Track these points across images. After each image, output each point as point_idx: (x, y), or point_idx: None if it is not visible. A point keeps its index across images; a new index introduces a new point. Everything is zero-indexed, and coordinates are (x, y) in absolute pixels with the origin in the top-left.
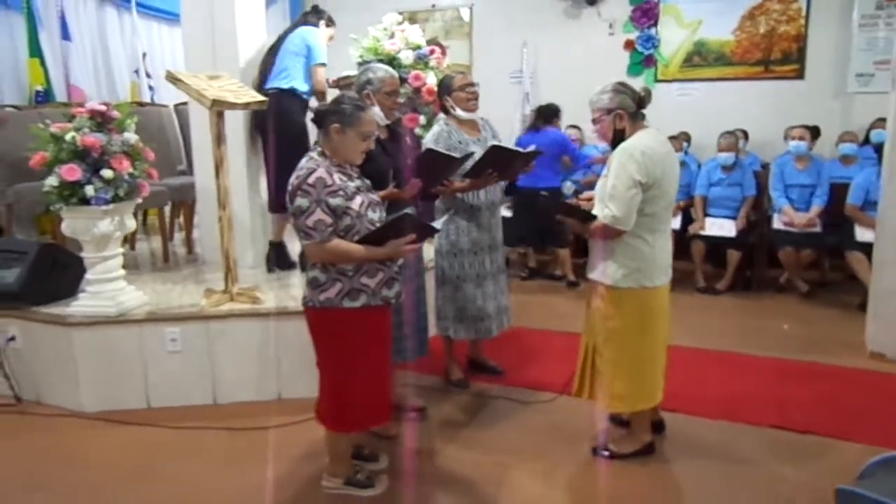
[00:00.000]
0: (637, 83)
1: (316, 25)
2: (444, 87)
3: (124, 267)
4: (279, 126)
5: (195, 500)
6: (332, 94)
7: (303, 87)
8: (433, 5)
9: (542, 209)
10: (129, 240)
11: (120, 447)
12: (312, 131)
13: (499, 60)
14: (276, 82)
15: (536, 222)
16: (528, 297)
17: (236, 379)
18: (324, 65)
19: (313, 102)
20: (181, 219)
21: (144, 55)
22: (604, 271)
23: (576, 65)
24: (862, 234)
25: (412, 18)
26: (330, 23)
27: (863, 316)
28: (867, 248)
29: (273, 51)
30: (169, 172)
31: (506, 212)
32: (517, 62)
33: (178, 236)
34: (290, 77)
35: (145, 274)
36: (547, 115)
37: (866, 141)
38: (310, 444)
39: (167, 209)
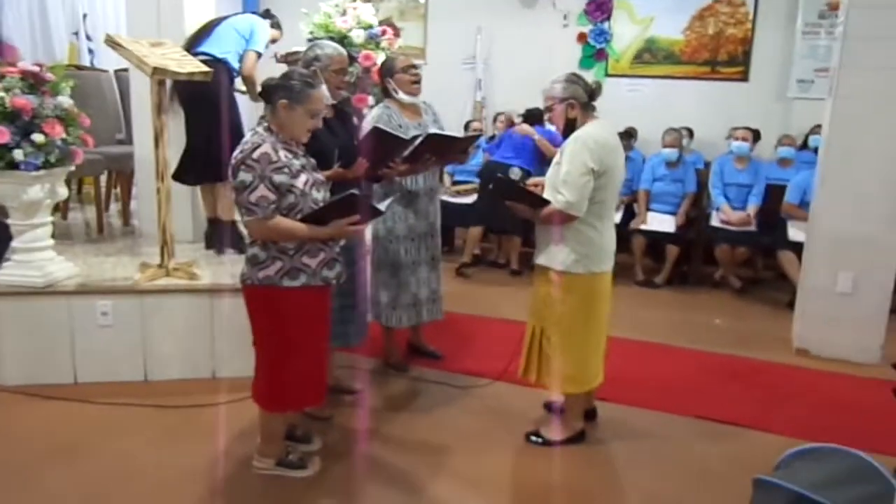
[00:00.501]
0: (588, 76)
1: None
2: (387, 68)
3: (56, 237)
4: (206, 94)
5: (123, 478)
6: (279, 69)
7: (235, 64)
8: None
9: (494, 191)
10: (62, 209)
11: (44, 423)
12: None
13: (453, 45)
14: (210, 48)
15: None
16: (469, 284)
17: (169, 355)
18: (259, 54)
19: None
20: (118, 189)
21: (85, 16)
22: (554, 257)
23: (529, 54)
24: (795, 234)
25: None
26: (277, 27)
27: (791, 313)
28: (798, 248)
29: (215, 22)
30: (107, 141)
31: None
32: (471, 48)
33: (115, 207)
34: (226, 50)
35: (78, 245)
36: (537, 117)
37: (804, 145)
38: (243, 423)
39: (103, 179)
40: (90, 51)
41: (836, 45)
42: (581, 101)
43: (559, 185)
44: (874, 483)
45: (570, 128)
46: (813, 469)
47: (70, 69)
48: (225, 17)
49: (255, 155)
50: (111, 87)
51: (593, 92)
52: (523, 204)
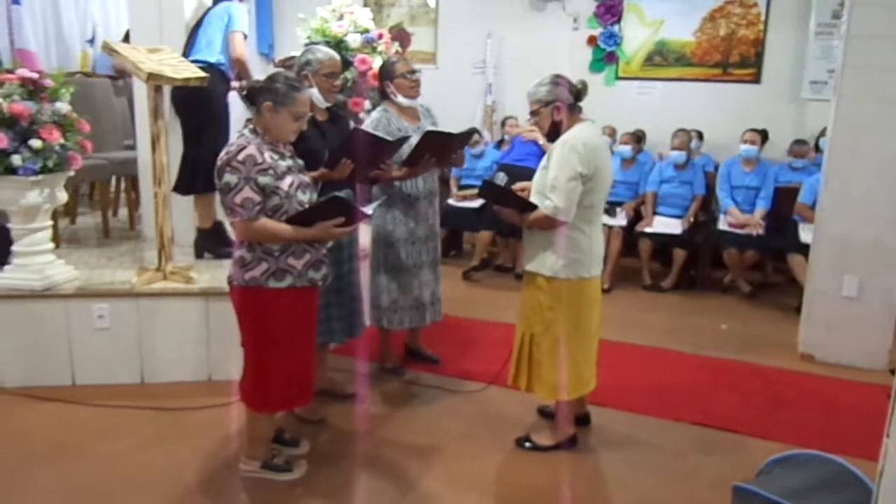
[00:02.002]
0: (598, 80)
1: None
2: (386, 72)
3: (63, 241)
4: (201, 102)
5: (116, 479)
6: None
7: (225, 59)
8: None
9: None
10: (71, 213)
11: (41, 424)
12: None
13: (463, 50)
14: (202, 55)
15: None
16: (474, 288)
17: (166, 359)
18: (244, 35)
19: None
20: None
21: (95, 27)
22: (543, 262)
23: (539, 58)
24: (806, 236)
25: (378, 3)
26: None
27: (798, 318)
28: (809, 252)
29: (199, 24)
30: (115, 146)
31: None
32: (481, 52)
33: (125, 212)
34: (214, 49)
35: (83, 249)
36: None
37: (816, 148)
38: (235, 426)
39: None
40: None
41: (840, 44)
42: (566, 102)
43: (547, 190)
44: (852, 490)
45: (555, 131)
46: (791, 476)
47: (77, 76)
48: (205, 15)
49: (241, 157)
50: (120, 94)
51: (579, 92)
52: (511, 208)
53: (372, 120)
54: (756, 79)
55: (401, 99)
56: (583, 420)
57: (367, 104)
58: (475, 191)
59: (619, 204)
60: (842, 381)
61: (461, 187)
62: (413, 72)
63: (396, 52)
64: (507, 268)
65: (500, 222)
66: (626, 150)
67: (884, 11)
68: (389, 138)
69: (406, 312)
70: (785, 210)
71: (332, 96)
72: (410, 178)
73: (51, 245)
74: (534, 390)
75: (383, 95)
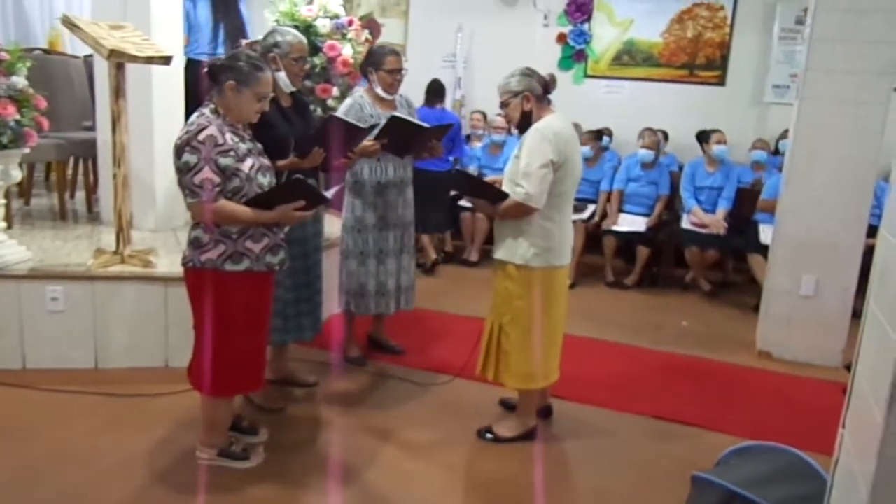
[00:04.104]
0: (567, 77)
1: None
2: (374, 61)
3: (15, 222)
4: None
5: (68, 465)
6: None
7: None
8: None
9: (453, 186)
10: (25, 194)
11: None
12: None
13: (433, 43)
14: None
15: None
16: (437, 281)
17: (121, 344)
18: None
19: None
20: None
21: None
22: (513, 251)
23: (508, 53)
24: (766, 237)
25: None
26: None
27: (757, 317)
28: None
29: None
30: (74, 126)
31: None
32: (451, 46)
33: (82, 195)
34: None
35: (38, 230)
36: (440, 92)
37: (776, 150)
38: (191, 413)
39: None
40: None
41: (803, 48)
42: (535, 93)
43: (519, 177)
44: (808, 481)
45: (525, 122)
46: (749, 466)
47: (35, 52)
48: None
49: (201, 137)
50: (80, 74)
51: (547, 85)
52: (482, 199)
53: (345, 105)
54: (721, 81)
55: (379, 90)
56: (545, 412)
57: (335, 91)
58: None
59: (584, 201)
60: (798, 377)
61: None
62: (399, 71)
63: (367, 40)
64: (472, 262)
65: (425, 221)
66: (586, 150)
67: (846, 16)
68: (364, 126)
69: (371, 298)
70: (746, 211)
71: (300, 80)
72: (360, 157)
73: (2, 224)
74: (501, 380)
75: (364, 75)
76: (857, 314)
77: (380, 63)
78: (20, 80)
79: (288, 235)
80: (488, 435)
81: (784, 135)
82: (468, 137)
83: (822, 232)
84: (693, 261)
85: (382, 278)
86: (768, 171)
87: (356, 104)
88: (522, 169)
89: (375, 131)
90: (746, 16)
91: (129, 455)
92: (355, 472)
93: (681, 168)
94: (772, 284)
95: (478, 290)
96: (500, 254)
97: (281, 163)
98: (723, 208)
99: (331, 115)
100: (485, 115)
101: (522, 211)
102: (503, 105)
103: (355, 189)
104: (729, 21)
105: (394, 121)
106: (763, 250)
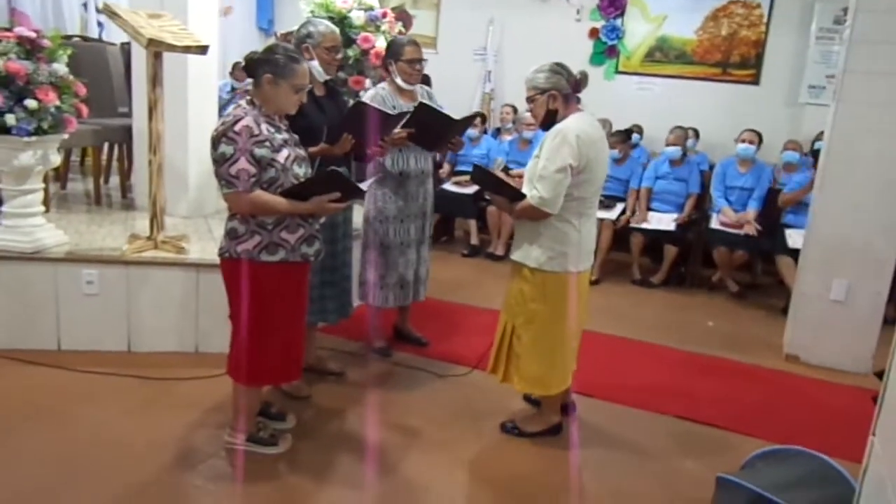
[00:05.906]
0: (598, 73)
1: None
2: (393, 52)
3: (52, 206)
4: None
5: (102, 445)
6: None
7: None
8: None
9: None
10: (61, 178)
11: (24, 387)
12: None
13: (464, 36)
14: None
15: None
16: (463, 274)
17: (153, 328)
18: None
19: None
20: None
21: None
22: (528, 253)
23: (540, 47)
24: (794, 241)
25: None
26: None
27: (785, 319)
28: (797, 255)
29: None
30: (110, 113)
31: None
32: (482, 39)
33: (116, 180)
34: None
35: (73, 214)
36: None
37: (813, 152)
38: (221, 398)
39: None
40: (99, 24)
41: (842, 48)
42: (563, 91)
43: (535, 179)
44: (836, 486)
45: (550, 120)
46: (775, 470)
47: (74, 40)
48: None
49: (237, 127)
50: (116, 61)
51: (578, 83)
52: (501, 196)
53: (368, 96)
54: (755, 80)
55: (399, 81)
56: (568, 409)
57: (367, 83)
58: (468, 177)
59: (612, 198)
60: (826, 382)
61: (456, 173)
62: (419, 61)
63: (400, 32)
64: (498, 256)
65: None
66: (614, 153)
67: (887, 17)
68: (391, 112)
69: (391, 290)
70: (776, 213)
71: (333, 69)
72: (387, 148)
73: (41, 208)
74: (511, 381)
75: (384, 69)
76: (888, 321)
77: (399, 53)
78: (61, 67)
79: None
80: (514, 429)
81: (819, 136)
82: (497, 131)
83: (856, 236)
84: (721, 261)
85: (402, 269)
86: (801, 171)
87: (378, 95)
88: (539, 171)
89: (406, 116)
90: (783, 14)
91: (160, 437)
92: (379, 460)
93: (712, 167)
94: (802, 288)
95: (503, 284)
96: (516, 255)
97: (312, 149)
98: (753, 209)
99: (359, 101)
100: (515, 109)
101: (537, 213)
102: (529, 100)
103: (377, 180)
104: (765, 19)
105: (421, 108)
106: (791, 252)
